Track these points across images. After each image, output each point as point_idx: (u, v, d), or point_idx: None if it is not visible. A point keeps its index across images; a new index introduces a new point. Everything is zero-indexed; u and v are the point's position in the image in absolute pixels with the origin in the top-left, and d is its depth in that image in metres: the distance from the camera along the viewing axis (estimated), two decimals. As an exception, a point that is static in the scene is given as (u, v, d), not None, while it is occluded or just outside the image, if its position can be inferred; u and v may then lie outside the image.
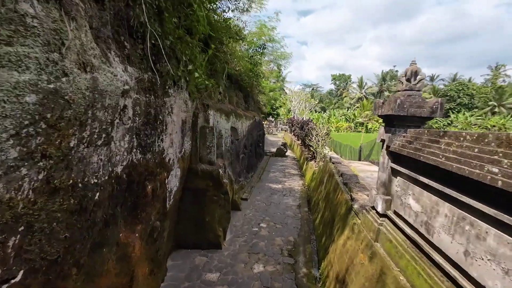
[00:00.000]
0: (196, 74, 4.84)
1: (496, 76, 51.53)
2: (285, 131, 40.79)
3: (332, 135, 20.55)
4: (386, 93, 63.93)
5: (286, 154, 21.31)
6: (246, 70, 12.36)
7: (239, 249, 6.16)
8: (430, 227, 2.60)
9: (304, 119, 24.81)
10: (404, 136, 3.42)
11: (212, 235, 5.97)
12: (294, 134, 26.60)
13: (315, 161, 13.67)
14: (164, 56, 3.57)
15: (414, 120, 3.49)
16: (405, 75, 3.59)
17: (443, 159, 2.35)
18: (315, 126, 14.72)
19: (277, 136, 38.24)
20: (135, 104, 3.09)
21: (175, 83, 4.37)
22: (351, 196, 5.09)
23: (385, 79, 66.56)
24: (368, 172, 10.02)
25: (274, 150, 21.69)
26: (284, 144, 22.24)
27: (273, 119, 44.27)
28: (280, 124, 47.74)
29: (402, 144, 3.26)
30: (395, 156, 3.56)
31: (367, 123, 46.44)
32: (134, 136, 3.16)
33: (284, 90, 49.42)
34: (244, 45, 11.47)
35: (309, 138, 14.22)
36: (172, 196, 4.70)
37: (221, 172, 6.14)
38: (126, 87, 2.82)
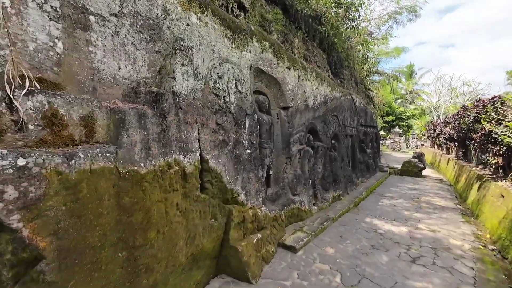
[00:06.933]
0: None
1: None
2: (422, 145, 28.44)
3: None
4: None
5: (423, 173, 12.26)
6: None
7: None
8: None
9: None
10: None
11: None
12: (439, 145, 16.22)
13: None
14: None
15: None
16: None
17: None
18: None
19: (407, 153, 26.56)
20: None
21: None
22: None
23: None
24: None
25: (398, 166, 13.20)
26: (419, 156, 13.15)
27: (401, 131, 32.42)
28: (415, 138, 33.96)
29: None
30: None
31: None
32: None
33: (419, 95, 36.06)
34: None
35: (492, 123, 6.04)
36: None
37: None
38: None
